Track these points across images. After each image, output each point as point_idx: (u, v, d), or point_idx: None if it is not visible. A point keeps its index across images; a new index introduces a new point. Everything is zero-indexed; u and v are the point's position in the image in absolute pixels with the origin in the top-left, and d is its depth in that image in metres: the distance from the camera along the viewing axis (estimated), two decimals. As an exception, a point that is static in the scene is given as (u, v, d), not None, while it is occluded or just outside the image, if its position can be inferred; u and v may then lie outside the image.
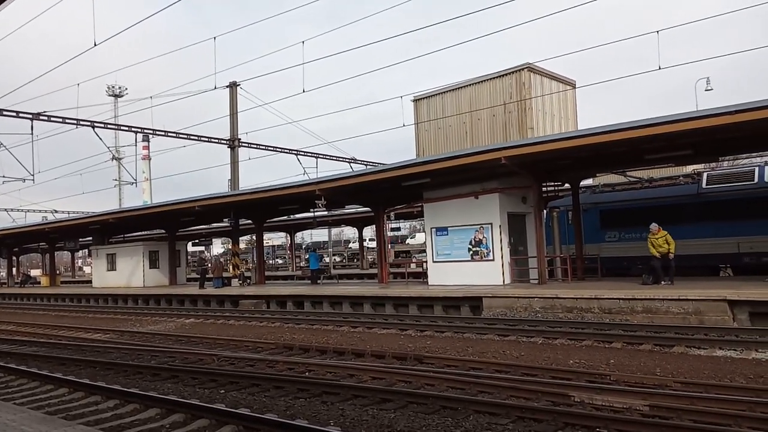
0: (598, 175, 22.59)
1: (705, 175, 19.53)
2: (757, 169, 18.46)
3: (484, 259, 18.48)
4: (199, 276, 27.62)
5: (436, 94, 22.09)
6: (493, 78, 20.36)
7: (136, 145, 32.41)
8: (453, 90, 21.59)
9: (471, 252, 18.83)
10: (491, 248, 18.30)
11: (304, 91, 20.27)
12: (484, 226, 18.48)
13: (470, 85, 21.02)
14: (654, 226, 15.48)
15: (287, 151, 32.90)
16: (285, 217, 37.50)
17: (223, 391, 8.41)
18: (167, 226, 31.98)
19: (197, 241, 38.44)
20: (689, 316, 12.12)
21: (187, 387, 8.84)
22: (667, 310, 12.42)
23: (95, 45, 17.80)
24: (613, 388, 7.14)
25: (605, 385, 7.36)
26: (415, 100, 22.67)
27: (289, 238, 50.87)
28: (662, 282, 15.03)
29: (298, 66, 24.59)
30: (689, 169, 22.98)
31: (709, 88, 25.60)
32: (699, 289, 12.93)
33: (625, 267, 19.64)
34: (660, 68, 14.12)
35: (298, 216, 36.84)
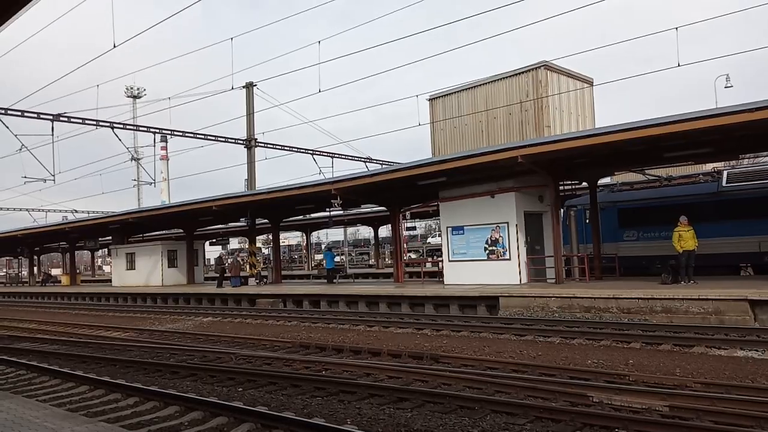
0: (616, 173, 22.38)
1: (725, 173, 19.24)
2: (778, 166, 18.17)
3: (500, 258, 18.40)
4: (217, 275, 27.86)
5: (452, 93, 22.04)
6: (510, 76, 20.27)
7: (154, 146, 32.78)
8: (469, 89, 21.53)
9: (487, 251, 18.75)
10: (507, 247, 18.21)
11: (320, 91, 20.35)
12: (500, 225, 18.39)
13: (486, 83, 20.95)
14: (684, 218, 15.26)
15: (303, 150, 33.03)
16: (301, 217, 37.66)
17: (240, 389, 8.48)
18: (185, 225, 32.29)
19: (215, 240, 38.73)
20: (709, 316, 11.96)
21: (206, 385, 8.93)
22: (687, 309, 12.27)
23: (114, 47, 18.02)
24: (632, 389, 7.07)
25: (624, 386, 7.29)
26: (431, 99, 22.65)
27: (305, 238, 51.08)
28: (682, 281, 14.84)
29: (313, 66, 24.66)
30: (709, 167, 22.67)
31: (729, 85, 25.27)
32: (719, 289, 12.74)
33: (644, 266, 19.42)
34: (679, 65, 13.96)
35: (313, 215, 37.01)
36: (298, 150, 33.00)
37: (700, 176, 20.93)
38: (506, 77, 20.34)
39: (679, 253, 15.10)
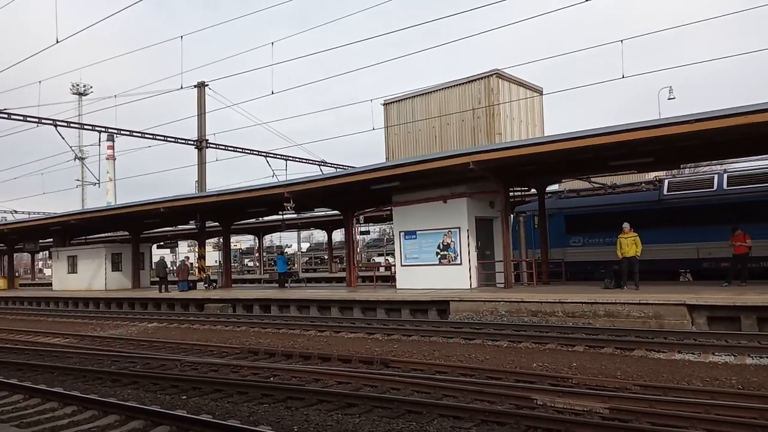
0: (563, 180, 23.00)
1: (666, 182, 20.05)
2: (716, 176, 19.04)
3: (451, 263, 18.60)
4: (158, 279, 27.03)
5: (407, 98, 22.22)
6: (463, 83, 20.59)
7: (99, 145, 31.74)
8: (423, 94, 21.75)
9: (439, 256, 18.92)
10: (459, 252, 18.43)
11: (273, 93, 20.11)
12: (452, 230, 18.60)
13: (440, 89, 21.22)
14: (626, 225, 15.74)
15: (256, 152, 32.60)
16: (253, 220, 37.11)
17: (185, 397, 8.25)
18: (131, 228, 31.31)
19: (162, 243, 37.69)
20: (649, 320, 12.41)
21: (148, 393, 8.66)
22: (629, 314, 12.70)
23: (57, 42, 17.34)
24: (575, 391, 7.26)
25: (567, 388, 7.49)
26: (386, 104, 22.76)
27: (257, 241, 50.33)
28: (624, 286, 15.34)
29: (267, 67, 24.40)
30: (651, 176, 23.57)
31: (672, 96, 26.32)
32: (659, 294, 13.25)
33: (589, 271, 20.01)
34: (624, 77, 14.45)
35: (266, 218, 36.52)
36: (251, 152, 32.56)
37: (643, 185, 21.74)
38: (459, 84, 20.65)
39: (619, 259, 15.61)
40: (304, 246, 60.99)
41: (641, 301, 12.66)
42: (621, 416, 6.39)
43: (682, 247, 18.49)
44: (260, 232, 46.70)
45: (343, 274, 32.84)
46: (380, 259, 47.49)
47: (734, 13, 17.15)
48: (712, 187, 18.53)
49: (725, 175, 18.80)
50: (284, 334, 14.60)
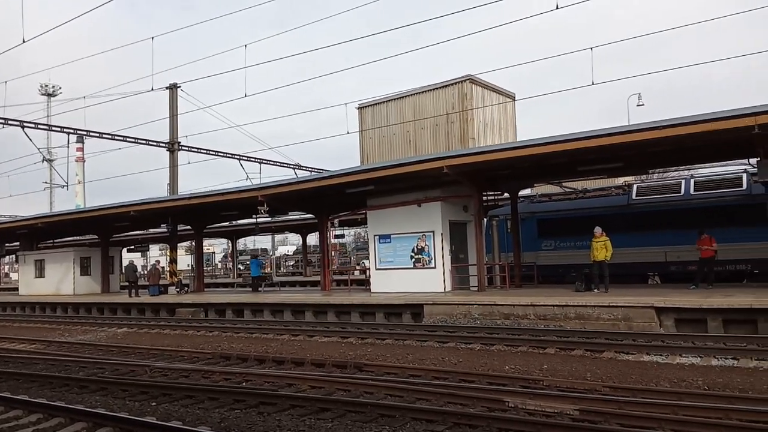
0: (536, 185, 23.29)
1: (635, 186, 20.46)
2: (683, 182, 19.51)
3: (425, 266, 18.67)
4: (128, 283, 26.52)
5: (381, 103, 22.24)
6: (436, 88, 20.69)
7: (68, 147, 31.01)
8: (397, 99, 21.80)
9: (413, 259, 18.98)
10: (433, 256, 18.51)
11: (246, 96, 19.97)
12: (426, 233, 18.67)
13: (414, 94, 21.29)
14: (597, 229, 15.99)
15: (229, 155, 32.26)
16: (226, 223, 36.72)
17: (154, 404, 8.12)
18: (100, 231, 30.69)
19: (132, 247, 36.99)
20: (619, 323, 12.63)
21: (117, 400, 8.50)
22: (599, 316, 12.91)
23: (24, 42, 16.95)
24: (546, 393, 7.35)
25: (538, 390, 7.57)
26: (360, 108, 22.75)
27: (230, 245, 49.79)
28: (594, 289, 15.60)
29: (240, 69, 24.19)
30: (621, 181, 24.01)
31: (641, 103, 26.88)
32: (628, 297, 13.51)
33: (561, 274, 20.28)
34: (593, 83, 14.73)
35: (240, 222, 36.17)
36: (225, 154, 32.21)
37: (613, 189, 22.14)
38: (433, 89, 20.75)
39: (594, 262, 15.87)
40: (292, 249, 60.54)
41: (611, 304, 12.88)
42: (591, 418, 6.48)
43: (651, 250, 18.88)
44: (233, 235, 46.22)
45: (316, 278, 32.67)
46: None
47: (696, 23, 17.61)
48: (679, 192, 18.97)
49: (692, 181, 19.27)
50: (257, 339, 14.47)
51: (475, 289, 17.91)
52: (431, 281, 18.32)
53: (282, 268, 53.95)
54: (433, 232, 18.52)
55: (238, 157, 32.30)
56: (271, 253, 57.29)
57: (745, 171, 18.42)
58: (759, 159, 13.59)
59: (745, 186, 17.96)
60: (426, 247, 18.70)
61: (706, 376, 8.53)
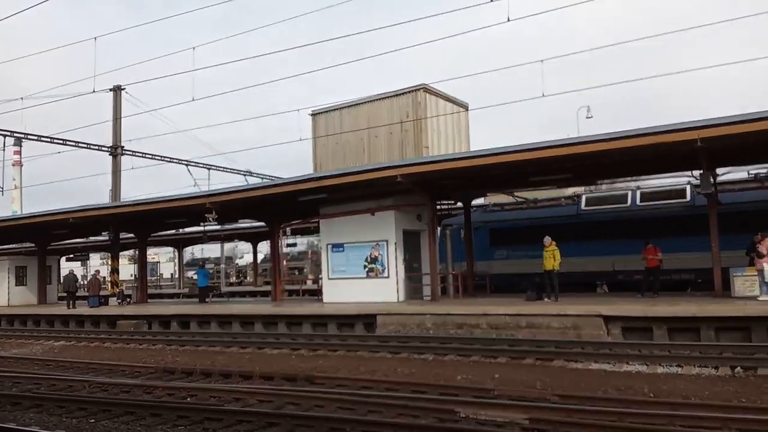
0: (488, 194, 23.54)
1: (584, 197, 20.96)
2: (630, 192, 20.10)
3: (379, 276, 18.53)
4: (66, 294, 25.30)
5: (335, 110, 22.04)
6: (391, 96, 20.66)
7: (4, 150, 29.34)
8: (351, 106, 21.65)
9: (366, 269, 18.82)
10: (386, 265, 18.40)
11: (194, 99, 19.43)
12: (379, 243, 18.56)
13: (368, 102, 21.18)
14: (546, 239, 16.22)
15: (176, 161, 31.33)
16: (173, 231, 35.64)
17: (93, 421, 7.71)
18: (37, 239, 29.20)
19: (72, 255, 35.43)
20: (568, 331, 12.80)
21: (53, 417, 8.03)
22: (549, 325, 13.06)
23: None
24: (497, 403, 7.30)
25: (489, 400, 7.52)
26: (314, 115, 22.48)
27: (177, 253, 48.37)
28: (545, 298, 15.81)
29: (188, 72, 23.57)
30: (571, 191, 24.56)
31: (590, 116, 27.61)
32: (577, 305, 13.73)
33: (513, 283, 20.48)
34: (543, 95, 15.01)
35: (187, 230, 35.14)
36: (171, 160, 31.25)
37: (563, 199, 22.61)
38: (387, 97, 20.71)
39: (543, 271, 16.10)
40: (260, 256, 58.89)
41: (560, 313, 13.05)
42: (541, 426, 6.47)
43: (599, 259, 19.31)
44: (180, 244, 44.89)
45: (268, 288, 32.04)
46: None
47: (645, 38, 18.25)
48: (626, 203, 19.53)
49: (638, 192, 19.87)
50: (204, 352, 13.99)
51: (429, 298, 17.88)
52: (384, 291, 18.19)
53: (234, 278, 52.77)
54: (386, 241, 18.42)
55: (185, 162, 31.43)
56: (235, 262, 55.89)
57: (689, 183, 19.12)
58: (702, 171, 14.10)
59: (688, 197, 18.65)
60: (379, 256, 18.58)
61: (651, 383, 8.69)
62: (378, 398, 7.94)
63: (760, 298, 13.22)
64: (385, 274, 18.39)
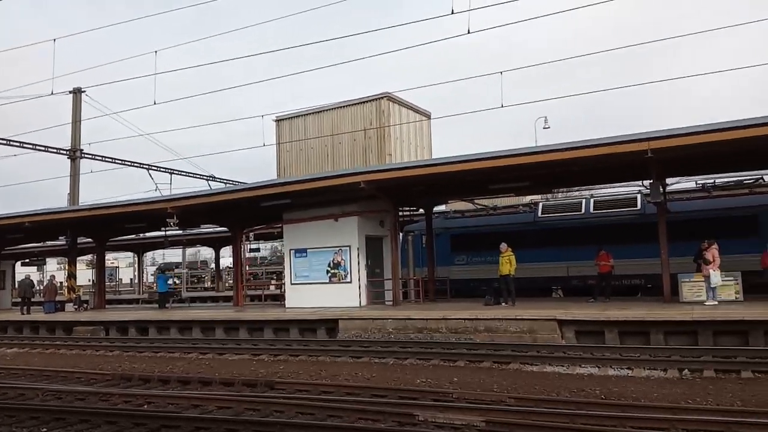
0: (450, 201, 23.91)
1: (540, 205, 21.52)
2: (584, 201, 20.75)
3: (342, 281, 18.62)
4: (20, 299, 24.52)
5: (299, 116, 22.10)
6: (355, 104, 20.85)
7: (-46, 152, 28.36)
8: (316, 113, 21.75)
9: (329, 274, 18.88)
10: (349, 270, 18.50)
11: (155, 103, 19.18)
12: (342, 248, 18.65)
13: (332, 109, 21.33)
14: (503, 245, 16.59)
15: (137, 164, 30.74)
16: (133, 236, 34.93)
17: (45, 429, 7.57)
18: (-10, 243, 28.23)
19: (27, 260, 34.32)
20: (525, 335, 13.14)
21: (3, 427, 7.81)
22: (506, 329, 13.37)
23: None
24: (455, 406, 7.48)
25: (448, 403, 7.70)
26: (278, 120, 22.48)
27: (136, 258, 47.32)
28: (503, 303, 16.17)
29: (150, 76, 23.23)
30: (528, 199, 25.16)
31: (547, 126, 28.34)
32: (533, 310, 14.11)
33: (472, 288, 20.85)
34: (502, 106, 15.40)
35: (148, 234, 34.48)
36: (132, 164, 30.65)
37: (521, 207, 23.14)
38: (351, 105, 20.90)
39: (500, 277, 16.48)
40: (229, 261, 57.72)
41: (517, 317, 13.40)
42: (496, 428, 6.67)
43: (554, 265, 19.86)
44: (140, 249, 43.97)
45: (230, 293, 31.67)
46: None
47: (603, 51, 18.93)
48: (580, 211, 20.15)
49: (592, 200, 20.53)
50: (162, 358, 13.80)
51: (390, 303, 18.05)
52: (347, 296, 18.28)
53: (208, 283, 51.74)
54: (349, 246, 18.53)
55: (147, 166, 30.86)
56: (210, 266, 54.62)
57: (640, 192, 19.84)
58: (652, 181, 14.68)
59: (639, 206, 19.35)
60: (342, 261, 18.67)
61: (603, 385, 9.01)
62: (338, 403, 8.02)
63: (706, 303, 13.82)
64: (348, 279, 18.49)
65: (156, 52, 18.63)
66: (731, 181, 19.73)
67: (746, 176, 19.34)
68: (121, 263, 64.92)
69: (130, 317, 19.92)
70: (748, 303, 13.74)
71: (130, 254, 51.15)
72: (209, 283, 49.10)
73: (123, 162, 30.17)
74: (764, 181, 19.94)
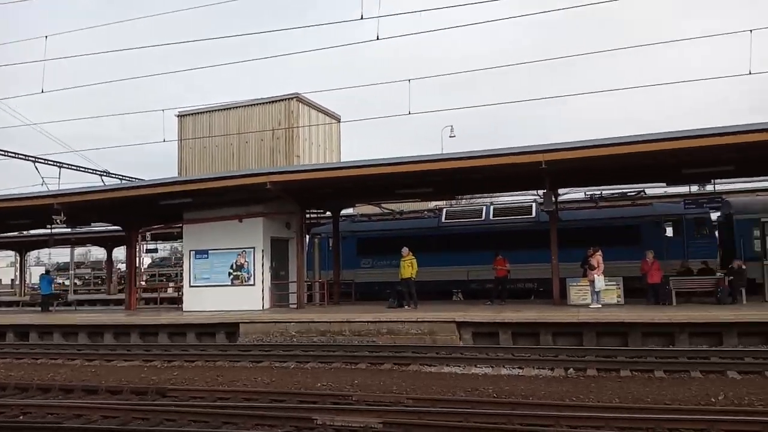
0: (357, 205, 24.06)
1: (444, 210, 22.19)
2: (484, 208, 21.65)
3: (244, 283, 18.17)
4: None
5: (204, 112, 21.32)
6: (263, 103, 20.42)
7: None
8: (222, 110, 21.08)
9: (231, 276, 18.37)
10: (252, 273, 18.09)
11: (43, 92, 17.77)
12: (246, 250, 18.21)
13: (240, 107, 20.77)
14: (404, 249, 16.87)
15: (22, 156, 28.28)
16: (15, 233, 32.16)
17: None
18: None
19: None
20: (425, 337, 13.46)
21: None
22: (408, 331, 13.63)
23: None
24: (353, 408, 7.54)
25: (347, 406, 7.73)
26: (180, 116, 21.56)
27: (19, 258, 43.60)
28: (406, 306, 16.46)
29: (39, 62, 21.48)
30: (433, 204, 25.85)
31: (453, 135, 29.25)
32: (434, 312, 14.50)
33: (377, 291, 21.07)
34: (410, 113, 15.74)
35: (33, 232, 31.89)
36: (16, 155, 28.15)
37: (426, 212, 23.73)
38: (260, 104, 20.46)
39: (402, 280, 16.78)
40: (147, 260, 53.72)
41: (418, 319, 13.71)
42: (393, 429, 6.78)
43: (456, 269, 20.54)
44: (23, 247, 40.56)
45: (123, 296, 29.95)
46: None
47: (518, 64, 19.84)
48: (481, 217, 20.99)
49: (491, 207, 21.45)
50: (43, 365, 12.82)
51: (294, 306, 17.84)
52: (249, 299, 17.86)
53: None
54: (253, 248, 18.13)
55: (33, 159, 28.48)
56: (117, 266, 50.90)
57: (535, 201, 20.98)
58: (545, 191, 15.56)
59: (534, 214, 20.45)
60: (246, 263, 18.23)
61: (496, 384, 9.42)
62: (234, 409, 7.83)
63: (591, 306, 14.81)
64: (251, 282, 18.08)
65: (47, 37, 17.25)
66: (616, 194, 21.35)
67: (630, 188, 21.01)
68: (1, 263, 59.67)
69: (7, 321, 18.30)
70: (628, 306, 14.90)
71: (12, 253, 47.09)
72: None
73: (6, 153, 27.66)
74: (645, 194, 21.80)
